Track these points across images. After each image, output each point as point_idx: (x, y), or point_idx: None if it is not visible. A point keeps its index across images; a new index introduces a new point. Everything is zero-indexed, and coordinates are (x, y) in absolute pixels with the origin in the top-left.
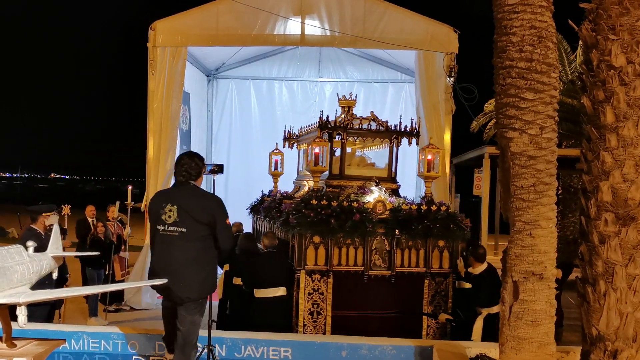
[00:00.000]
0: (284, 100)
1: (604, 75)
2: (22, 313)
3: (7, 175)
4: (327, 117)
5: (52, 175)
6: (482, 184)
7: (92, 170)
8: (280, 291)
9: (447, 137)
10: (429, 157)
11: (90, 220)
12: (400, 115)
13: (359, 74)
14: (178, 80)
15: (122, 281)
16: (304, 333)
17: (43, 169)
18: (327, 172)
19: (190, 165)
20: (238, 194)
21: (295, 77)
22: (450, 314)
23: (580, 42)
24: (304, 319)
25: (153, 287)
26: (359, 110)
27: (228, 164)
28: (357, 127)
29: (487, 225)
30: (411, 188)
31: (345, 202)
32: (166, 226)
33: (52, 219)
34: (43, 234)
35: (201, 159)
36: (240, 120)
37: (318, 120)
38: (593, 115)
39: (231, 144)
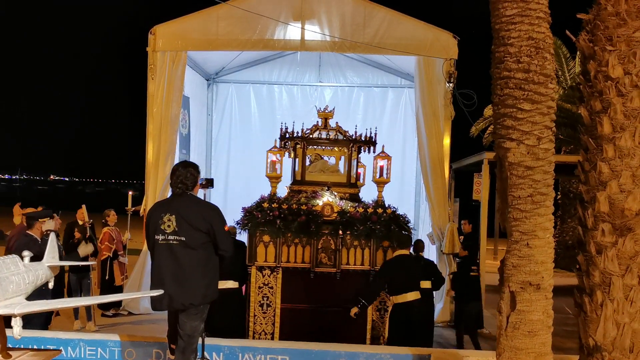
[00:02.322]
0: (284, 104)
1: (601, 86)
2: (17, 324)
3: (7, 177)
4: (286, 127)
5: (52, 177)
6: (481, 188)
7: (92, 172)
8: (229, 284)
9: (447, 142)
10: (381, 164)
11: (81, 223)
12: (356, 126)
13: (359, 78)
14: (178, 85)
15: (122, 286)
16: (254, 324)
17: (42, 171)
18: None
19: (186, 175)
20: (238, 198)
21: (295, 82)
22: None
23: (578, 52)
24: (255, 310)
25: (151, 302)
26: (359, 115)
27: (228, 168)
28: (317, 136)
29: (487, 230)
30: (411, 193)
31: (294, 205)
32: (166, 235)
33: (48, 225)
34: (39, 239)
35: (196, 168)
36: (240, 125)
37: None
38: (590, 125)
39: (231, 148)
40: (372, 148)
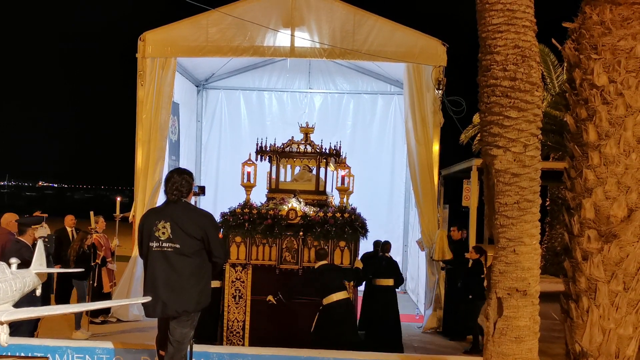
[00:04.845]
0: (274, 111)
1: (586, 94)
2: (3, 332)
3: None
4: (262, 142)
5: (40, 183)
6: (470, 195)
7: (81, 178)
8: (214, 283)
9: (436, 148)
10: (342, 174)
11: (69, 230)
12: (322, 140)
13: (349, 85)
14: (167, 91)
15: (110, 293)
16: (228, 313)
17: (31, 177)
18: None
19: (181, 183)
20: (228, 204)
21: (285, 88)
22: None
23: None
24: (228, 301)
25: (145, 309)
26: (349, 122)
27: (217, 174)
28: (288, 149)
29: (476, 236)
30: (400, 200)
31: (263, 210)
32: (160, 242)
33: (41, 231)
34: (31, 246)
35: (191, 175)
36: (229, 131)
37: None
38: (576, 133)
39: (221, 154)
40: (336, 159)
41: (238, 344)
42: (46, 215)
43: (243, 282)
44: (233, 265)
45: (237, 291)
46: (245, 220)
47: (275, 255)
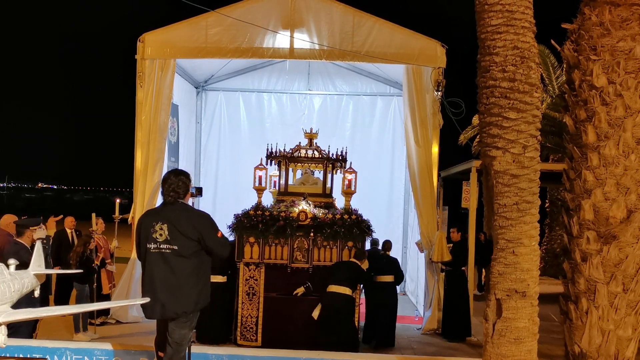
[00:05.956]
0: (273, 112)
1: (585, 95)
2: (2, 333)
3: None
4: (272, 148)
5: (40, 185)
6: (469, 196)
7: (81, 180)
8: (218, 278)
9: (435, 150)
10: (349, 178)
11: (69, 231)
12: (329, 146)
13: (348, 87)
14: (166, 93)
15: (109, 295)
16: (242, 309)
17: (30, 178)
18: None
19: (178, 184)
20: (227, 205)
21: (284, 90)
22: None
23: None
24: (242, 298)
25: (143, 310)
26: (348, 123)
27: (217, 175)
28: (298, 155)
29: (475, 237)
30: (399, 201)
31: (275, 212)
32: (158, 244)
33: (39, 233)
34: (29, 247)
35: (187, 176)
36: (229, 132)
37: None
38: (575, 134)
39: (220, 156)
40: (342, 164)
41: (252, 340)
42: (60, 216)
43: (256, 280)
44: (247, 264)
45: (251, 289)
46: (259, 222)
47: (287, 254)
